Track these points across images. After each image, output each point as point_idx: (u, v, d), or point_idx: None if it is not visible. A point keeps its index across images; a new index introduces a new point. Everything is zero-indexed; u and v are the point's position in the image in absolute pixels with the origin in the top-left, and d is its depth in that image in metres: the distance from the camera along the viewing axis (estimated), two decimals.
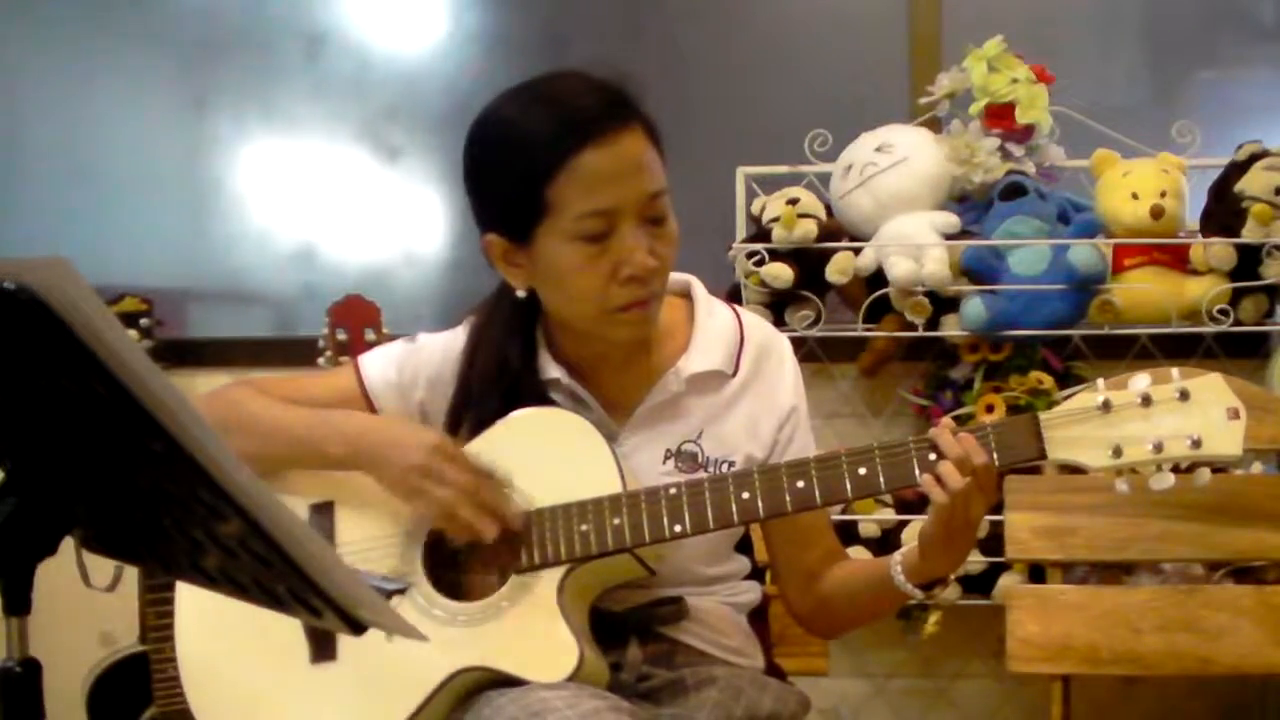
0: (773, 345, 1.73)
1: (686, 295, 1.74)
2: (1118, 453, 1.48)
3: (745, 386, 1.69)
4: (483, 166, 1.61)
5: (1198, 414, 1.47)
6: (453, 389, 1.70)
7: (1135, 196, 2.55)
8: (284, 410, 1.68)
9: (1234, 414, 1.47)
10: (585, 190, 1.53)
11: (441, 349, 1.73)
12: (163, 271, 3.19)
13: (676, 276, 1.70)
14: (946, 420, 1.56)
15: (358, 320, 2.56)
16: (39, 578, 1.03)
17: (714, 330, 1.70)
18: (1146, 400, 1.48)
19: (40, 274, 0.85)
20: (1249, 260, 2.53)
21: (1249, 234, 2.51)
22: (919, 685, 2.90)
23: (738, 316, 1.73)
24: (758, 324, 1.75)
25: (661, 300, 1.63)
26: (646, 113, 1.59)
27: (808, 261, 2.62)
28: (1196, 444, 1.46)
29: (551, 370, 1.66)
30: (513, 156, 1.57)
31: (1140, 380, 1.49)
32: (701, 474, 1.63)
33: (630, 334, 1.63)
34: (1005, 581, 2.50)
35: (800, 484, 1.54)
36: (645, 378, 1.67)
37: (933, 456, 1.51)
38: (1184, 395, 1.47)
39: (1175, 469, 1.49)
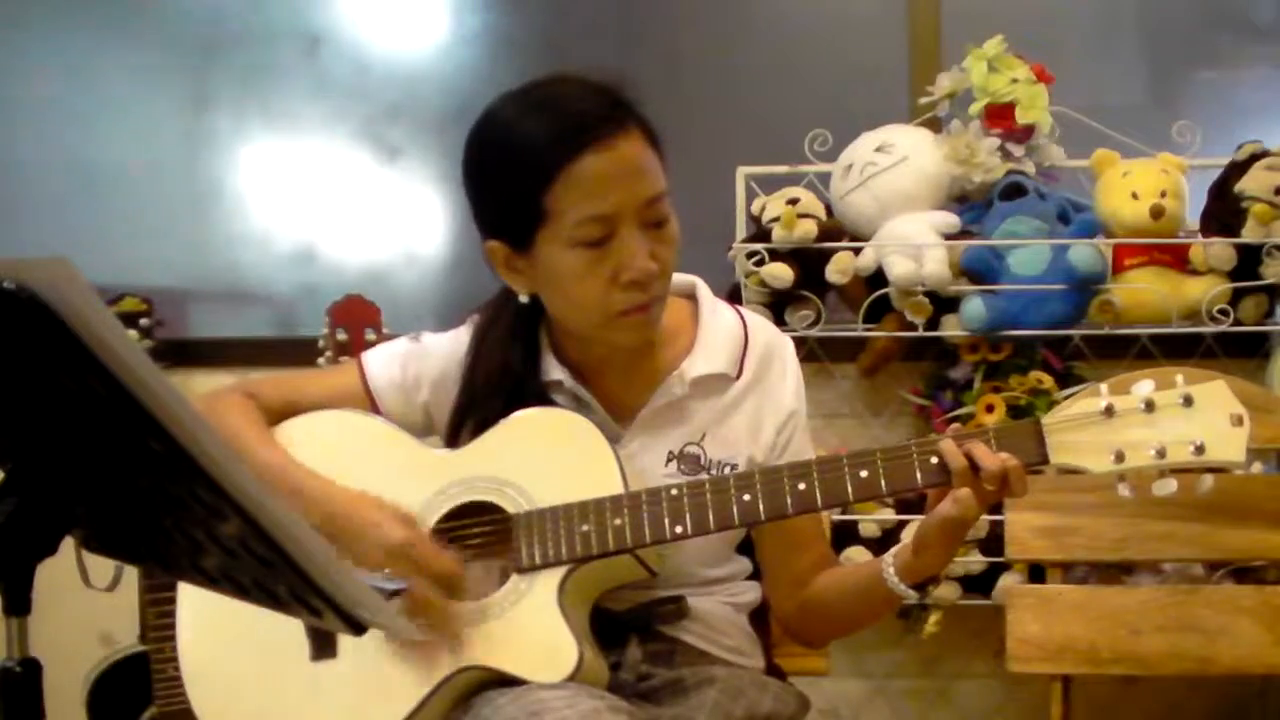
0: (776, 348, 1.73)
1: (691, 297, 1.74)
2: (1120, 458, 1.48)
3: (749, 390, 1.69)
4: (482, 173, 1.61)
5: (1201, 420, 1.46)
6: (456, 390, 1.70)
7: (1135, 196, 2.55)
8: (262, 452, 1.65)
9: (1238, 420, 1.46)
10: (584, 195, 1.53)
11: (445, 349, 1.73)
12: (163, 271, 3.19)
13: (681, 278, 1.70)
14: (955, 428, 1.55)
15: (358, 320, 2.56)
16: (39, 578, 1.03)
17: (718, 333, 1.70)
18: (1150, 405, 1.48)
19: (40, 274, 0.85)
20: (1249, 260, 2.53)
21: (1249, 234, 2.51)
22: (919, 685, 2.90)
23: (742, 319, 1.73)
24: (762, 326, 1.75)
25: (664, 303, 1.63)
26: (644, 115, 1.58)
27: (808, 261, 2.62)
28: (1200, 450, 1.46)
29: (555, 372, 1.66)
30: (511, 163, 1.56)
31: (1144, 385, 1.49)
32: (703, 476, 1.63)
33: (632, 338, 1.63)
34: (1005, 581, 2.50)
35: (802, 486, 1.54)
36: (649, 380, 1.67)
37: (934, 460, 1.51)
38: (1188, 401, 1.47)
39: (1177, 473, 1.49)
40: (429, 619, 1.55)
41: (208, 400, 1.74)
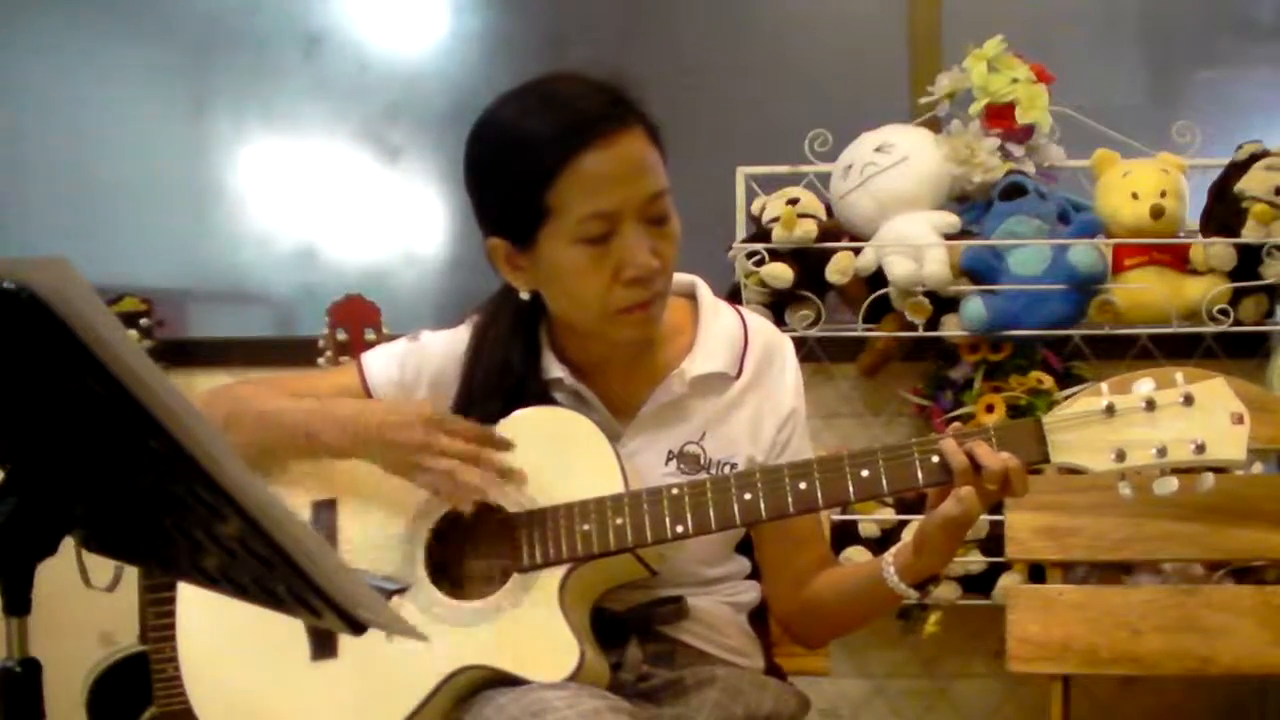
0: (776, 348, 1.73)
1: (691, 296, 1.74)
2: (1121, 456, 1.48)
3: (748, 389, 1.70)
4: (484, 171, 1.61)
5: (1202, 419, 1.47)
6: (456, 388, 1.70)
7: (1135, 196, 2.55)
8: (283, 401, 1.68)
9: (1238, 419, 1.47)
10: (586, 192, 1.53)
11: (444, 348, 1.73)
12: (163, 271, 3.20)
13: (682, 278, 1.70)
14: (955, 427, 1.55)
15: (358, 320, 2.56)
16: (39, 578, 1.03)
17: (718, 332, 1.70)
18: (1150, 404, 1.48)
19: (40, 274, 0.85)
20: (1249, 260, 2.53)
21: (1249, 234, 2.51)
22: (919, 685, 2.90)
23: (742, 318, 1.73)
24: (762, 326, 1.75)
25: (665, 300, 1.63)
26: (647, 113, 1.59)
27: (808, 261, 2.62)
28: (1200, 449, 1.46)
29: (555, 370, 1.66)
30: (513, 160, 1.56)
31: (1144, 384, 1.49)
32: (703, 475, 1.63)
33: (634, 334, 1.63)
34: (1005, 581, 2.50)
35: (803, 485, 1.54)
36: (649, 379, 1.67)
37: (936, 460, 1.51)
38: (1188, 400, 1.47)
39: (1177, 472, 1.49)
40: (476, 494, 1.55)
41: (215, 390, 1.74)
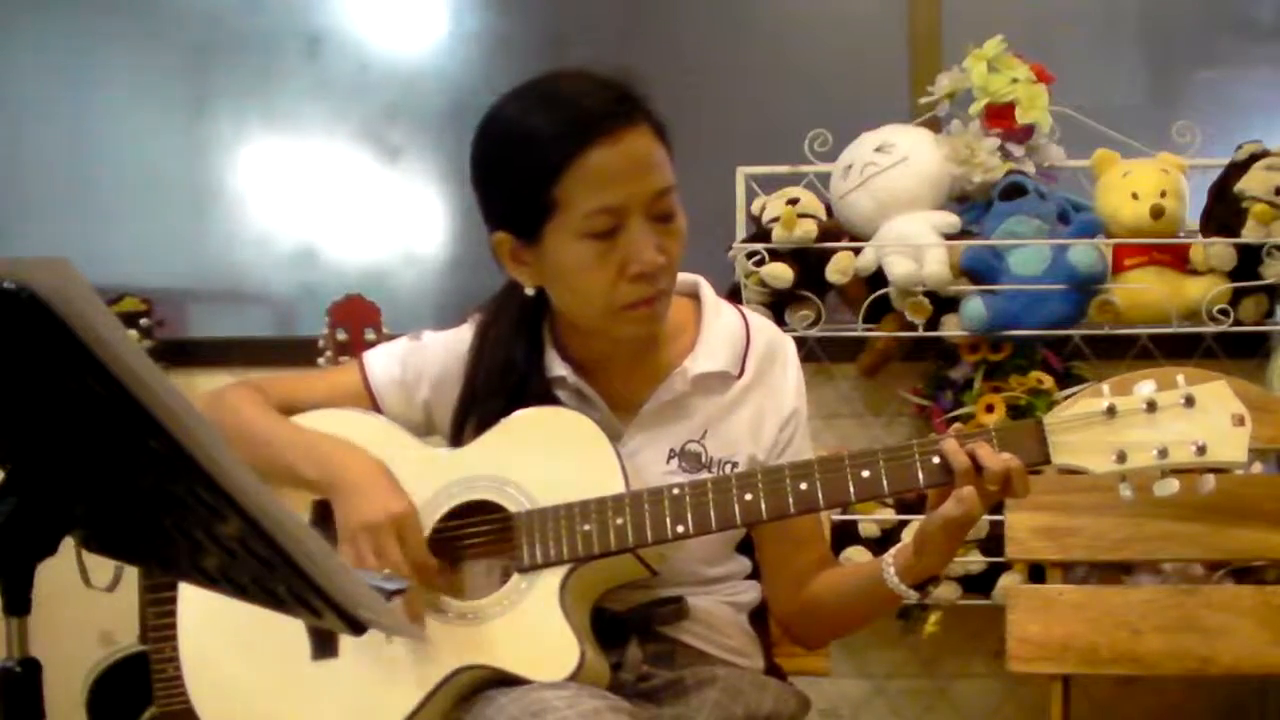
0: (778, 347, 1.73)
1: (694, 296, 1.74)
2: (1122, 458, 1.48)
3: (750, 388, 1.70)
4: (490, 166, 1.61)
5: (1203, 420, 1.47)
6: (458, 388, 1.70)
7: (1135, 196, 2.55)
8: (274, 422, 1.67)
9: (1239, 420, 1.47)
10: (593, 188, 1.53)
11: (446, 347, 1.73)
12: (163, 271, 3.20)
13: (685, 277, 1.70)
14: (956, 427, 1.55)
15: (358, 320, 2.56)
16: (39, 578, 1.03)
17: (721, 331, 1.70)
18: (1151, 406, 1.48)
19: (40, 274, 0.85)
20: (1249, 260, 2.53)
21: (1249, 234, 2.51)
22: (919, 685, 2.90)
23: (744, 318, 1.74)
24: (764, 326, 1.75)
25: (670, 297, 1.63)
26: (653, 110, 1.59)
27: (808, 261, 2.62)
28: (1201, 450, 1.46)
29: (558, 368, 1.67)
30: (520, 155, 1.57)
31: (1145, 386, 1.49)
32: (705, 474, 1.63)
33: (639, 331, 1.63)
34: (1005, 581, 2.50)
35: (804, 486, 1.54)
36: (651, 377, 1.67)
37: (936, 460, 1.51)
38: (1189, 401, 1.47)
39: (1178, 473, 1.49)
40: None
41: (214, 395, 1.74)
